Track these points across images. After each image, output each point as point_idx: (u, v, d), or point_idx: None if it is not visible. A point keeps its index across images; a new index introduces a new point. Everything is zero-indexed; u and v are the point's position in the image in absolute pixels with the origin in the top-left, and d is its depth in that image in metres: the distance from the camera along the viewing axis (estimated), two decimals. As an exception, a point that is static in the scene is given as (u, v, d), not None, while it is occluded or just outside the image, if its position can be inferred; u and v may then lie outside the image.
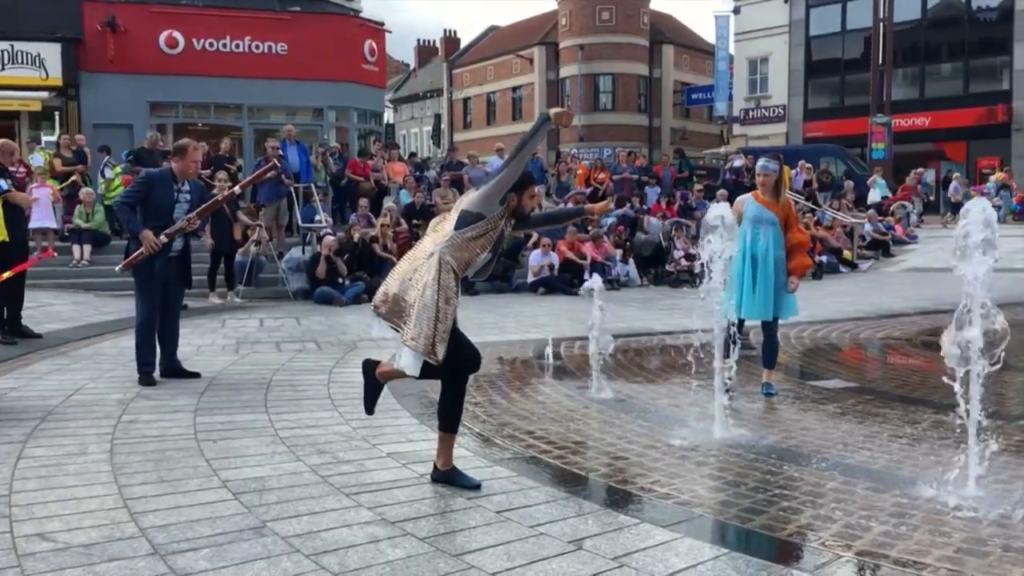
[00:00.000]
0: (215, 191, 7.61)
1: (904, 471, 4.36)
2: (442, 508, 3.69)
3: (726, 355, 5.60)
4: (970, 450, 3.96)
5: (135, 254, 6.15)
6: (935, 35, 31.93)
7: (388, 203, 14.13)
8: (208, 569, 3.00)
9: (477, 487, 3.89)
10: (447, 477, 3.99)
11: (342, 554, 3.17)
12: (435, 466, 4.05)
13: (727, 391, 5.12)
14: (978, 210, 4.01)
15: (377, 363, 4.20)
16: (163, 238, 6.10)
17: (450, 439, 4.06)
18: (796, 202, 18.18)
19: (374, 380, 4.20)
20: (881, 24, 27.32)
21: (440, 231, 3.88)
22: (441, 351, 3.70)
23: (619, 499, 3.95)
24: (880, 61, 27.38)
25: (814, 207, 18.64)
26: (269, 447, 4.58)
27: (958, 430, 3.99)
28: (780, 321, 6.29)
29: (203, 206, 6.32)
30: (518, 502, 3.78)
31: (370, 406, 4.25)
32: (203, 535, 3.31)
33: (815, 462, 4.49)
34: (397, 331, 3.81)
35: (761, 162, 6.25)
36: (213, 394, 5.87)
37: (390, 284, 3.87)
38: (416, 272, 3.78)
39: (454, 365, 3.86)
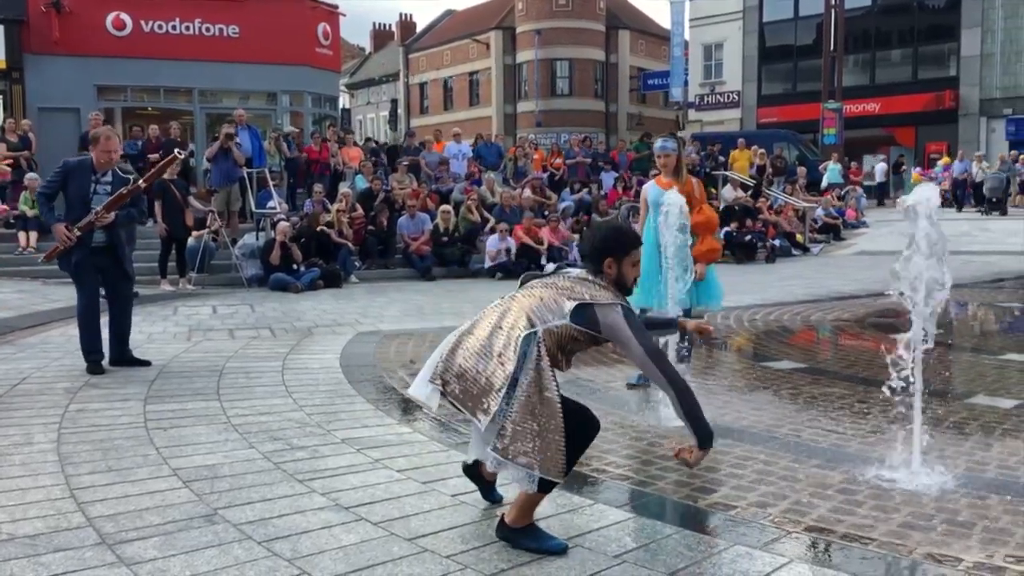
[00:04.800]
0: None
1: (851, 448, 4.45)
2: (397, 493, 3.68)
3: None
4: (915, 427, 4.06)
5: (53, 247, 6.05)
6: (885, 22, 32.45)
7: (344, 188, 13.97)
8: (157, 557, 2.96)
9: (563, 551, 3.07)
10: (512, 538, 3.13)
11: (295, 540, 3.15)
12: (502, 519, 3.20)
13: (645, 382, 5.15)
14: (923, 200, 4.07)
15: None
16: (76, 231, 5.94)
17: (534, 498, 3.13)
18: (747, 187, 18.43)
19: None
20: (832, 11, 27.71)
21: (542, 299, 3.10)
22: (561, 463, 2.99)
23: (573, 480, 3.95)
24: (832, 47, 27.78)
25: (768, 193, 18.86)
26: (221, 435, 4.52)
27: (904, 408, 4.08)
28: (701, 308, 6.00)
29: (109, 200, 6.01)
30: (473, 486, 3.77)
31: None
32: (152, 524, 3.26)
33: (765, 441, 4.57)
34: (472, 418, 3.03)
35: (659, 143, 5.97)
36: (164, 382, 5.78)
37: (465, 355, 3.03)
38: (506, 349, 2.97)
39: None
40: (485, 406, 2.93)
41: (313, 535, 3.20)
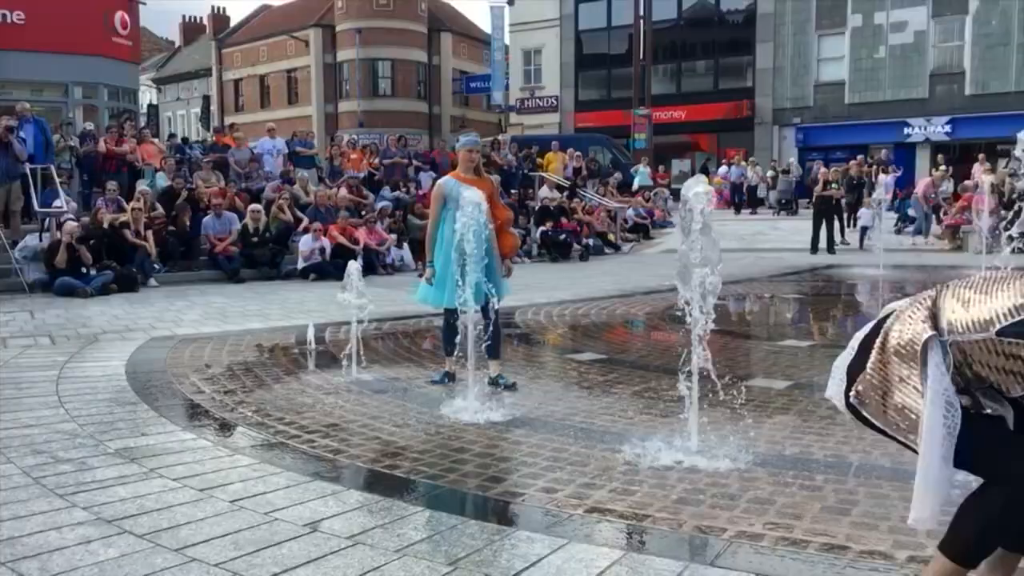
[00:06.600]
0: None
1: (639, 432, 4.62)
2: (168, 502, 3.45)
3: (449, 350, 5.59)
4: (693, 409, 4.26)
5: None
6: (690, 34, 34.42)
7: (141, 186, 13.11)
8: None
9: None
10: None
11: (45, 558, 2.87)
12: None
13: (448, 380, 5.20)
14: (695, 194, 4.26)
15: None
16: None
17: None
18: (563, 188, 18.98)
19: None
20: (641, 22, 29.04)
21: (967, 304, 2.27)
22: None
23: (364, 478, 3.89)
24: (641, 57, 29.12)
25: (582, 194, 19.50)
26: (-27, 451, 4.08)
27: (688, 392, 4.26)
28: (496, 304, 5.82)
29: None
30: (256, 489, 3.62)
31: None
32: None
33: (560, 430, 4.67)
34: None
35: (472, 137, 5.91)
36: (-88, 397, 5.17)
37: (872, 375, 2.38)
38: (901, 353, 2.32)
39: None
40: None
41: (67, 552, 2.94)
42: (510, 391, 5.53)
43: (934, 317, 2.30)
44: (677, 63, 34.63)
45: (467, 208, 5.20)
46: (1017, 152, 4.15)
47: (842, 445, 4.31)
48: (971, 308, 2.25)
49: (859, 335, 2.49)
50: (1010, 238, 7.49)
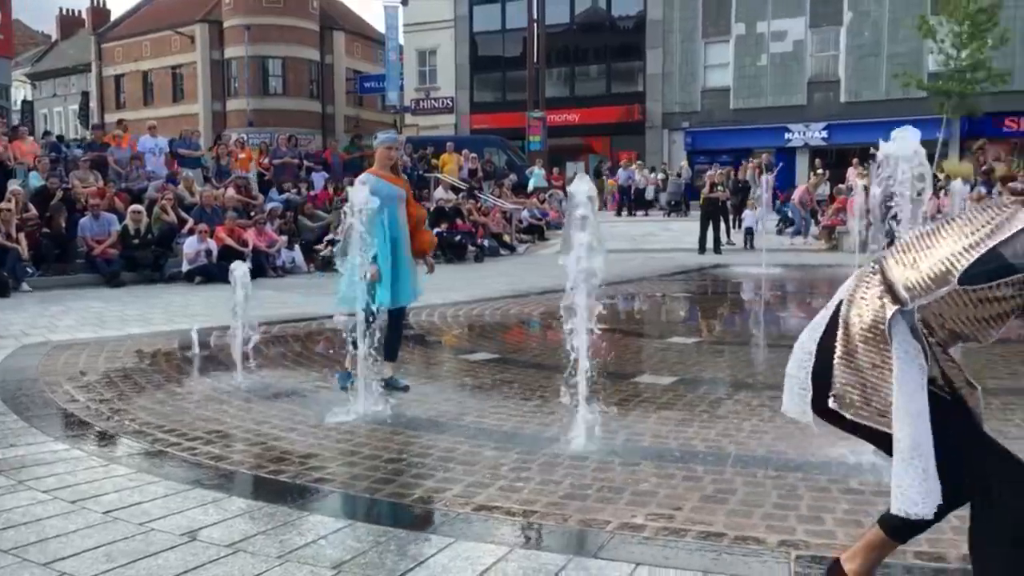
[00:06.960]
0: None
1: (529, 430, 4.68)
2: (38, 515, 3.28)
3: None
4: (581, 406, 4.35)
5: None
6: (583, 39, 35.01)
7: (13, 186, 12.38)
8: None
9: None
10: None
11: None
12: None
13: (350, 382, 5.19)
14: (582, 189, 4.36)
15: (836, 563, 2.49)
16: None
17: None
18: (459, 189, 19.02)
19: None
20: (535, 25, 29.36)
21: (915, 264, 2.20)
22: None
23: (247, 485, 3.80)
24: (535, 60, 29.44)
25: (477, 195, 19.57)
26: None
27: (577, 389, 4.34)
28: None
29: None
30: (132, 500, 3.49)
31: None
32: None
33: (451, 430, 4.67)
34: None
35: (390, 135, 5.87)
36: None
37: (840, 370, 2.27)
38: (867, 338, 2.22)
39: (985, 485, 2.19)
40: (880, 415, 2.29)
41: (-80, 574, 2.76)
42: (402, 392, 5.51)
43: (891, 291, 2.20)
44: (571, 67, 35.18)
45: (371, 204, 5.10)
46: (879, 157, 4.40)
47: (722, 437, 4.48)
48: (921, 266, 2.16)
49: (810, 338, 2.37)
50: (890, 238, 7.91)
